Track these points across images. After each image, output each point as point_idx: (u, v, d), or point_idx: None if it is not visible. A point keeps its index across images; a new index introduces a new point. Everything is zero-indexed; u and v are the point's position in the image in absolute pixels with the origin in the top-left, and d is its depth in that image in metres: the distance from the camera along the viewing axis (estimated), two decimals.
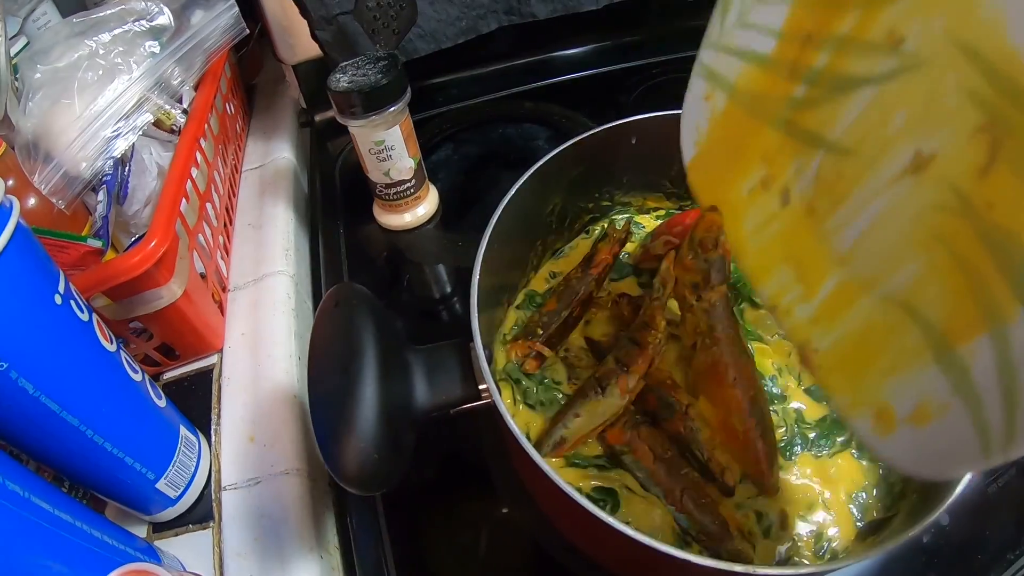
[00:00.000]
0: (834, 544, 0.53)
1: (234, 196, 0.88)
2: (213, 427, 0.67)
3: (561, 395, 0.61)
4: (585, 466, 0.57)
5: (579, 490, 0.55)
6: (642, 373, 0.57)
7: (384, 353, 0.48)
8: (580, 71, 1.00)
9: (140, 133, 0.73)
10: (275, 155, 0.91)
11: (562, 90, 0.97)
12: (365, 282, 0.78)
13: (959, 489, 0.43)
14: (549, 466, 0.45)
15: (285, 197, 0.85)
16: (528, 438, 0.59)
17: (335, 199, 0.87)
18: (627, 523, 0.42)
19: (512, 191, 0.58)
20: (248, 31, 0.82)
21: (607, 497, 0.55)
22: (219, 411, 0.68)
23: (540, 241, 0.66)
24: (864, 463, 0.57)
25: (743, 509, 0.55)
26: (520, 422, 0.60)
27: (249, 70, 1.06)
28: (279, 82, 1.02)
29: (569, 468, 0.57)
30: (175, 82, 0.78)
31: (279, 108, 0.99)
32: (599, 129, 0.63)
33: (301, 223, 0.85)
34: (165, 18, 0.78)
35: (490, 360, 0.55)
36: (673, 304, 0.60)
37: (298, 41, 0.88)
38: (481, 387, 0.50)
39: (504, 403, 0.48)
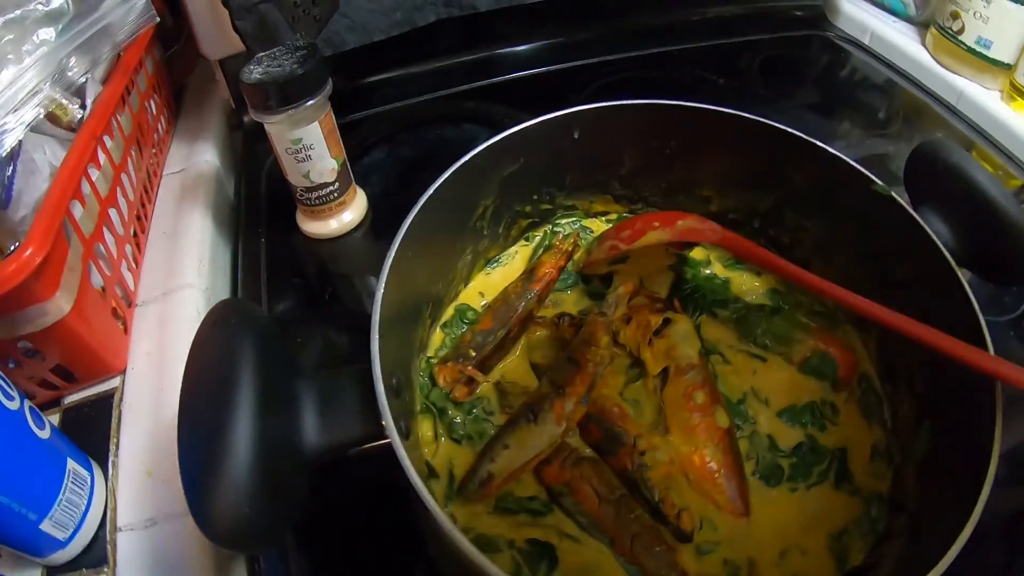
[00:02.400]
0: None
1: (149, 202, 0.76)
2: (111, 459, 0.56)
3: (493, 427, 0.50)
4: (516, 511, 0.47)
5: (510, 544, 0.45)
6: (580, 396, 0.46)
7: (266, 383, 0.38)
8: (528, 69, 0.90)
9: (29, 128, 0.61)
10: (198, 159, 0.80)
11: (508, 89, 0.87)
12: (285, 297, 0.69)
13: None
14: (461, 522, 0.35)
15: (204, 204, 0.74)
16: (452, 477, 0.48)
17: (258, 206, 0.76)
18: None
19: (430, 191, 0.48)
20: (158, 18, 0.70)
21: (540, 554, 0.44)
22: (117, 441, 0.57)
23: (470, 249, 0.56)
24: (845, 495, 0.48)
25: (706, 556, 0.45)
26: (442, 459, 0.49)
27: (180, 69, 0.94)
28: (210, 81, 0.90)
29: (496, 514, 0.47)
30: (72, 73, 0.66)
31: (208, 109, 0.87)
32: (535, 121, 0.53)
33: (221, 232, 0.74)
34: (62, 2, 0.66)
35: (401, 388, 0.44)
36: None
37: (222, 34, 0.76)
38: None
39: (402, 444, 0.37)
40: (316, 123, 0.63)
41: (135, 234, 0.70)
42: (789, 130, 0.53)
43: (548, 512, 0.46)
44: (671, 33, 0.95)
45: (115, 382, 0.61)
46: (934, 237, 0.47)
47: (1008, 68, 0.81)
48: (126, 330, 0.64)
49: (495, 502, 0.47)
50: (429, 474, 0.48)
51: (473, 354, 0.50)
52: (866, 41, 0.96)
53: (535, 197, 0.59)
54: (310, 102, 0.62)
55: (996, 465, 0.37)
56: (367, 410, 0.39)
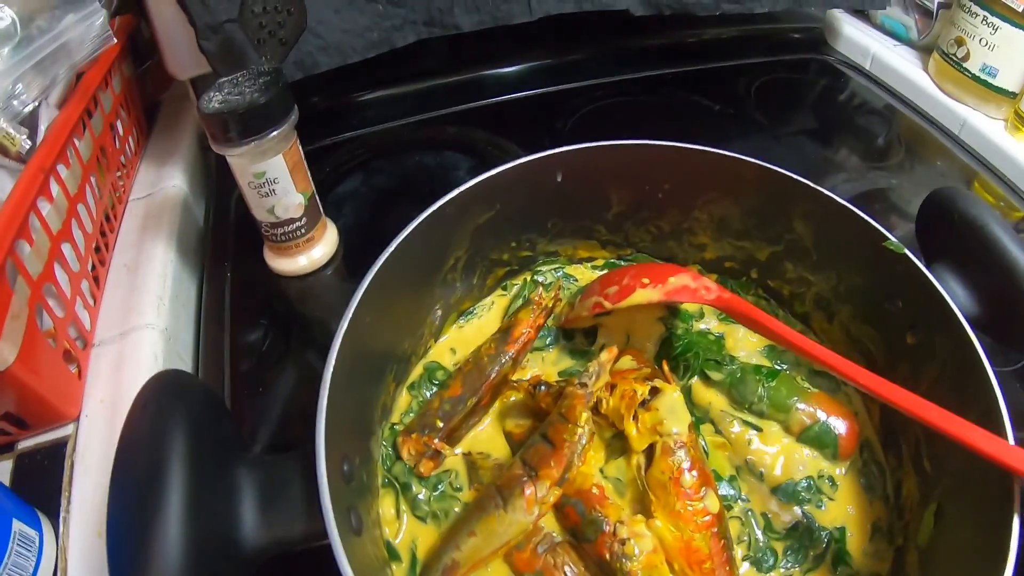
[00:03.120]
0: None
1: (112, 232, 0.70)
2: (62, 515, 0.51)
3: (461, 504, 0.44)
4: None
5: None
6: (555, 480, 0.41)
7: (200, 475, 0.33)
8: (514, 92, 0.83)
9: None
10: (166, 183, 0.73)
11: (492, 113, 0.80)
12: (249, 341, 0.62)
13: None
14: None
15: (167, 233, 0.67)
16: (415, 560, 0.42)
17: (226, 236, 0.70)
18: None
19: (390, 248, 0.42)
20: (115, 40, 0.64)
21: None
22: (69, 495, 0.52)
23: (440, 303, 0.50)
24: None
25: None
26: (405, 540, 0.43)
27: (155, 84, 0.87)
28: (186, 99, 0.83)
29: None
30: (22, 98, 0.60)
31: (181, 128, 0.81)
32: (513, 164, 0.47)
33: (187, 263, 0.68)
34: (7, 23, 0.60)
35: (355, 472, 0.38)
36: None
37: (191, 53, 0.69)
38: None
39: (343, 548, 0.31)
40: (280, 156, 0.57)
41: (93, 268, 0.64)
42: (793, 176, 0.48)
43: None
44: (664, 55, 0.89)
45: (68, 429, 0.55)
46: (950, 301, 0.41)
47: (1013, 97, 0.76)
48: (80, 374, 0.58)
49: None
50: (390, 557, 0.42)
51: (440, 424, 0.44)
52: (867, 66, 0.90)
53: (513, 244, 0.53)
54: (273, 133, 0.56)
55: (1014, 566, 0.32)
56: (314, 502, 0.33)
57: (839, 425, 0.48)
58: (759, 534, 0.45)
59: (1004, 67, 0.75)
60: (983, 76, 0.77)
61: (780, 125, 0.83)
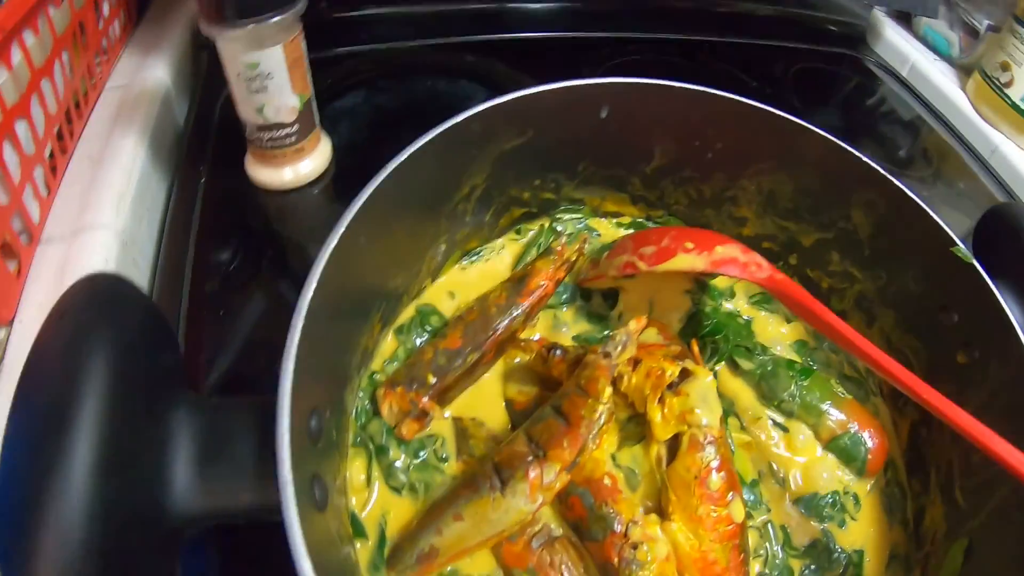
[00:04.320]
0: None
1: (79, 119, 0.58)
2: None
3: (444, 478, 0.35)
4: None
5: None
6: (567, 463, 0.32)
7: (122, 414, 0.24)
8: (539, 31, 0.73)
9: None
10: (147, 74, 0.61)
11: (514, 49, 0.70)
12: (216, 256, 0.51)
13: None
14: None
15: (141, 127, 0.56)
16: (384, 538, 0.33)
17: (206, 139, 0.58)
18: None
19: (402, 157, 0.33)
20: None
21: None
22: None
23: (445, 237, 0.40)
24: None
25: None
26: (373, 513, 0.34)
27: None
28: None
29: None
30: None
31: (174, 20, 0.69)
32: (556, 86, 0.38)
33: (157, 165, 0.57)
34: None
35: (324, 428, 0.29)
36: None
37: None
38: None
39: (303, 536, 0.22)
40: (279, 46, 0.47)
41: (51, 155, 0.53)
42: (863, 158, 0.40)
43: None
44: (697, 21, 0.79)
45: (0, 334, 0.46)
46: (1016, 324, 0.34)
47: None
48: (20, 272, 0.48)
49: None
50: (355, 532, 0.33)
51: (432, 380, 0.35)
52: (904, 73, 0.83)
53: (537, 183, 0.43)
54: (275, 18, 0.46)
55: None
56: (265, 466, 0.24)
57: (869, 439, 0.41)
58: (778, 549, 0.38)
59: None
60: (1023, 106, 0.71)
61: (808, 116, 0.76)
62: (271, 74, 0.48)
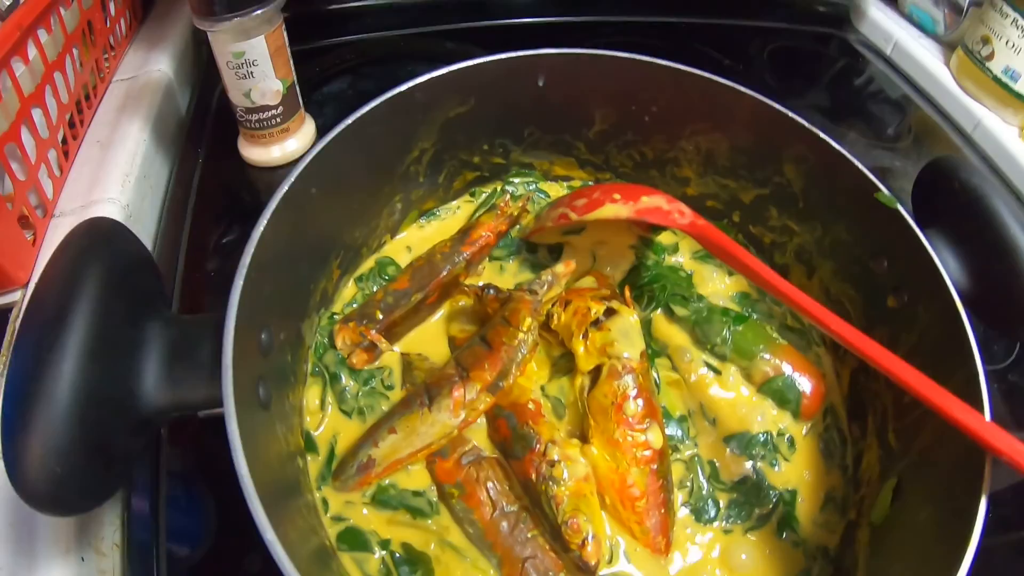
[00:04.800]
0: None
1: (90, 108, 0.65)
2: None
3: (389, 403, 0.40)
4: (396, 506, 0.36)
5: (383, 544, 0.35)
6: (487, 384, 0.36)
7: (106, 323, 0.30)
8: (521, 16, 0.77)
9: None
10: (151, 67, 0.68)
11: (495, 36, 0.73)
12: (210, 224, 0.57)
13: None
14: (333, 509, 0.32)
15: (145, 115, 0.63)
16: (333, 455, 0.38)
17: (204, 124, 0.65)
18: None
19: (348, 120, 0.38)
20: None
21: (413, 564, 0.34)
22: (7, 359, 0.47)
23: (400, 196, 0.45)
24: (786, 546, 0.38)
25: None
26: (325, 433, 0.39)
27: None
28: None
29: (374, 506, 0.36)
30: None
31: (176, 17, 0.76)
32: (493, 58, 0.42)
33: (161, 148, 0.63)
34: None
35: (275, 346, 0.34)
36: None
37: None
38: None
39: (237, 421, 0.27)
40: (262, 37, 0.52)
41: (64, 140, 0.59)
42: (791, 115, 0.43)
43: (433, 514, 0.36)
44: (681, 3, 0.82)
45: (15, 296, 0.51)
46: (941, 268, 0.37)
47: None
48: (35, 242, 0.54)
49: (375, 492, 0.37)
50: (306, 447, 0.38)
51: (380, 316, 0.40)
52: (888, 51, 0.84)
53: (486, 147, 0.48)
54: (257, 11, 0.51)
55: (972, 558, 0.27)
56: (219, 368, 0.29)
57: (804, 383, 0.43)
58: (704, 482, 0.40)
59: None
60: (1004, 78, 0.71)
61: (791, 96, 0.77)
62: (255, 61, 0.53)
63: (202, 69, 0.73)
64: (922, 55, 0.81)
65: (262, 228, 0.33)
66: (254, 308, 0.31)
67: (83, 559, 0.38)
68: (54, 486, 0.27)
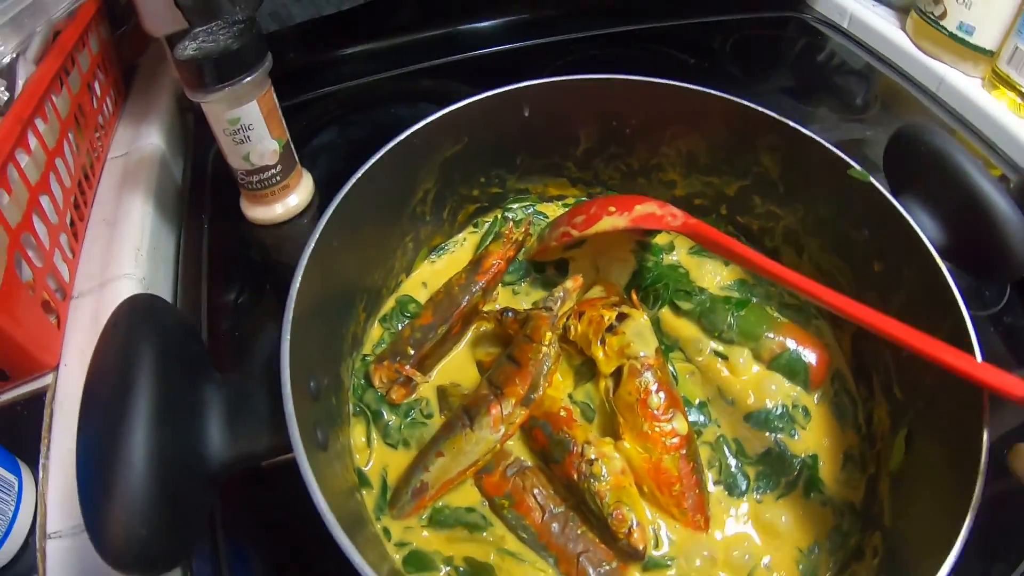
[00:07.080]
0: None
1: (90, 188, 0.69)
2: (41, 461, 0.50)
3: (431, 431, 0.44)
4: (452, 525, 0.41)
5: (447, 561, 0.39)
6: (520, 398, 0.41)
7: (167, 389, 0.33)
8: (489, 47, 0.82)
9: None
10: (143, 141, 0.73)
11: (467, 67, 0.80)
12: (226, 286, 0.61)
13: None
14: (395, 536, 0.35)
15: (146, 188, 0.67)
16: (386, 486, 0.42)
17: (203, 190, 0.69)
18: None
19: (355, 177, 0.42)
20: None
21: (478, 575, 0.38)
22: (48, 442, 0.51)
23: (410, 236, 0.50)
24: (815, 506, 0.43)
25: (660, 574, 0.40)
26: (375, 467, 0.43)
27: (132, 48, 0.87)
28: (162, 61, 0.83)
29: (432, 528, 0.41)
30: None
31: (158, 90, 0.80)
32: (478, 97, 0.47)
33: (165, 218, 0.67)
34: None
35: (323, 391, 0.38)
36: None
37: (166, 8, 0.69)
38: None
39: (307, 459, 0.31)
40: (254, 101, 0.57)
41: (72, 223, 0.63)
42: (757, 108, 0.48)
43: (488, 526, 0.41)
44: (640, 11, 0.88)
45: (47, 379, 0.55)
46: (917, 229, 0.41)
47: (990, 55, 0.75)
48: (59, 324, 0.58)
49: (431, 515, 0.41)
50: (360, 483, 0.42)
51: (411, 352, 0.44)
52: (845, 24, 0.90)
53: (482, 180, 0.53)
54: (247, 79, 0.55)
55: (982, 487, 0.32)
56: (277, 417, 0.33)
57: (809, 354, 0.48)
58: (731, 459, 0.44)
59: (981, 25, 0.74)
60: (960, 34, 0.76)
61: (757, 83, 0.83)
62: (251, 125, 0.58)
63: (191, 135, 0.77)
64: (878, 23, 0.86)
65: (298, 284, 0.37)
66: (300, 358, 0.35)
67: None
68: (141, 547, 0.29)
